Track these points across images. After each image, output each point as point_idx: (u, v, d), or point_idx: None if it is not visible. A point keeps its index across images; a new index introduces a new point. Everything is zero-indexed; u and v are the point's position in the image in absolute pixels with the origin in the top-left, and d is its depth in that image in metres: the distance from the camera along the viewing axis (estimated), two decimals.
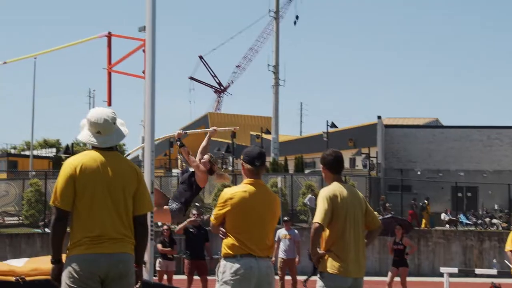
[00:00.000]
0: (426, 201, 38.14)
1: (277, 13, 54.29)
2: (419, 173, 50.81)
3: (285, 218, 19.74)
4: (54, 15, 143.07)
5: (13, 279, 7.63)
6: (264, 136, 61.46)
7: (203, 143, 10.22)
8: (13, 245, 29.55)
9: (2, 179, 43.06)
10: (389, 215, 23.65)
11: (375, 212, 7.98)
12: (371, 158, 46.31)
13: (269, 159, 47.61)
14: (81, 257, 5.47)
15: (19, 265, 8.39)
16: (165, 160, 58.54)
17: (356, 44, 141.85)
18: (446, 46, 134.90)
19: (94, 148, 5.73)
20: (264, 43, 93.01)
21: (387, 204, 36.55)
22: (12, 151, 73.35)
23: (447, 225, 37.11)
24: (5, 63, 11.63)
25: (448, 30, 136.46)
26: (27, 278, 7.65)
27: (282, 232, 19.33)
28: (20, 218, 35.19)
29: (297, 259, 19.35)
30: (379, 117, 51.10)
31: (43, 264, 8.00)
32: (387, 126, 54.06)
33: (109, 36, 10.02)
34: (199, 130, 9.85)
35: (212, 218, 6.77)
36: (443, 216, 38.72)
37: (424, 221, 36.83)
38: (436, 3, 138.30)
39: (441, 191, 46.66)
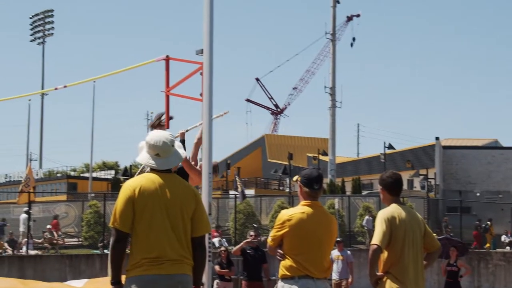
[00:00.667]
0: (489, 223, 37.58)
1: (333, 35, 54.28)
2: (478, 194, 50.07)
3: (338, 239, 19.67)
4: (113, 39, 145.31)
5: None
6: (321, 157, 61.30)
7: (193, 151, 9.78)
8: (73, 266, 29.86)
9: (62, 200, 43.67)
10: (443, 236, 23.47)
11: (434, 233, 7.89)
12: (429, 180, 45.81)
13: (326, 181, 47.44)
14: (141, 278, 5.50)
15: (79, 286, 8.50)
16: (222, 182, 58.76)
17: (413, 65, 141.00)
18: (505, 66, 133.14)
19: (152, 170, 5.78)
20: (320, 65, 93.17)
21: (450, 227, 36.07)
22: (72, 173, 74.39)
23: (508, 247, 36.48)
24: (65, 86, 11.82)
25: (507, 50, 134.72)
26: None
27: (335, 253, 19.30)
28: (80, 239, 35.59)
29: (349, 280, 19.31)
30: (437, 138, 50.63)
31: (102, 285, 8.07)
32: (445, 147, 53.48)
33: (167, 59, 10.12)
34: (198, 123, 9.54)
35: (269, 239, 6.76)
36: (503, 238, 38.11)
37: (488, 243, 36.32)
38: (490, 24, 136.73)
39: (501, 213, 45.87)
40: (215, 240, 28.98)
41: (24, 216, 33.27)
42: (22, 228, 33.20)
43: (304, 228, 6.59)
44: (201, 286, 5.94)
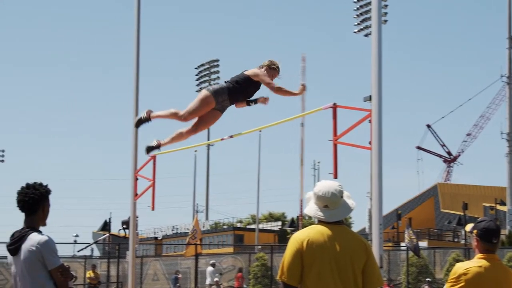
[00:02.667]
0: None
1: (510, 77, 52.93)
2: None
3: None
4: None
5: None
6: (499, 207, 59.40)
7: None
8: None
9: (229, 253, 44.37)
10: None
11: None
12: None
13: (504, 232, 45.89)
14: None
15: None
16: (393, 233, 57.99)
17: None
18: None
19: (320, 222, 5.79)
20: (496, 110, 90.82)
21: None
22: (238, 225, 75.54)
23: None
24: (231, 137, 12.12)
25: None
26: None
27: None
28: None
29: None
30: None
31: None
32: None
33: (334, 107, 10.19)
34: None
35: None
36: None
37: None
38: None
39: None
40: None
41: (210, 269, 33.84)
42: (208, 281, 33.73)
43: (481, 283, 6.41)
44: None
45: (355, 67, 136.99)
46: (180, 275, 35.50)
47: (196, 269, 33.89)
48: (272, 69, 10.88)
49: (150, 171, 13.19)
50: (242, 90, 10.83)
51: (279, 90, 10.73)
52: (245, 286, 35.23)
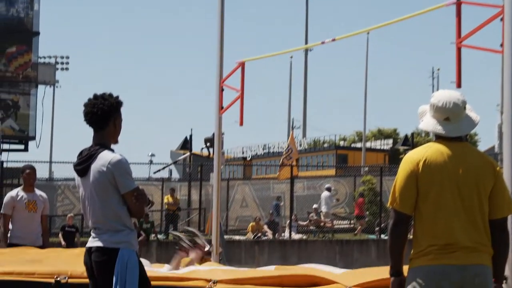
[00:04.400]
0: None
1: None
2: None
3: None
4: None
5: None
6: None
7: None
8: (344, 253, 30.46)
9: (330, 175, 44.45)
10: None
11: None
12: None
13: None
14: (428, 269, 5.53)
15: (338, 272, 8.79)
16: None
17: None
18: None
19: (439, 138, 5.75)
20: None
21: None
22: (342, 143, 75.65)
23: None
24: (333, 40, 12.07)
25: None
26: None
27: None
28: (352, 221, 36.23)
29: None
30: None
31: (367, 276, 8.26)
32: None
33: (459, 3, 10.01)
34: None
35: None
36: None
37: None
38: None
39: None
40: None
41: (326, 194, 34.04)
42: (325, 209, 34.01)
43: None
44: (504, 281, 5.85)
45: None
46: (281, 202, 35.60)
47: (291, 195, 34.03)
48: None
49: (238, 80, 13.22)
50: None
51: None
52: (367, 213, 35.13)
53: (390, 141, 70.47)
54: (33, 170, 12.47)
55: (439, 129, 5.72)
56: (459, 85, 9.62)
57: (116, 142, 6.84)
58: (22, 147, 45.14)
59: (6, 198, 12.31)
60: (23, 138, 44.31)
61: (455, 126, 5.72)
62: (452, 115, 5.70)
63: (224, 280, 8.11)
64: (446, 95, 5.77)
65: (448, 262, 5.51)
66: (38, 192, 12.36)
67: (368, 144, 64.72)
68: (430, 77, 79.61)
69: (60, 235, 27.04)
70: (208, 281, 7.93)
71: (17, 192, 12.21)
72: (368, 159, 56.65)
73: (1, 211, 12.28)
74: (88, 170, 6.64)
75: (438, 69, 77.88)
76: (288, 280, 8.37)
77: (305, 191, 38.21)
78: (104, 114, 6.70)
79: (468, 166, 5.62)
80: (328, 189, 33.95)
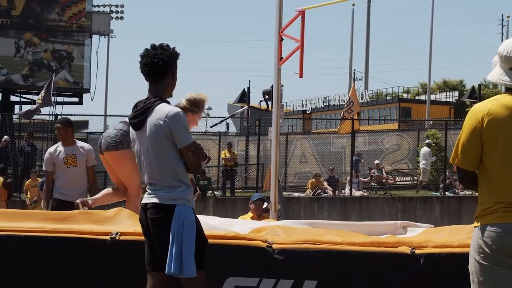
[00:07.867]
0: None
1: None
2: None
3: None
4: None
5: (407, 250, 7.86)
6: None
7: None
8: (406, 211, 30.37)
9: (393, 130, 44.14)
10: None
11: None
12: None
13: None
14: (495, 227, 5.43)
15: (413, 234, 8.71)
16: None
17: None
18: None
19: (508, 90, 5.60)
20: None
21: None
22: (405, 95, 75.16)
23: None
24: None
25: None
26: (417, 251, 7.79)
27: None
28: (415, 178, 36.06)
29: None
30: None
31: (440, 236, 8.18)
32: None
33: None
34: None
35: None
36: None
37: None
38: None
39: None
40: None
41: (426, 150, 33.58)
42: (423, 165, 33.68)
43: None
44: None
45: None
46: (362, 159, 35.39)
47: (352, 149, 33.97)
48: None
49: (298, 30, 13.18)
50: None
51: None
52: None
53: (456, 93, 69.91)
54: (62, 124, 12.14)
55: (505, 80, 5.59)
56: None
57: (171, 95, 6.83)
58: (76, 100, 45.16)
59: (46, 155, 12.24)
60: (78, 90, 44.24)
61: None
62: None
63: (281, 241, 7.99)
64: None
65: None
66: (79, 144, 12.17)
67: (433, 97, 64.24)
68: (499, 25, 78.50)
69: None
70: (264, 242, 7.83)
71: (56, 148, 12.08)
72: (432, 112, 56.30)
73: (43, 168, 12.34)
74: (144, 123, 6.61)
75: (508, 16, 76.31)
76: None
77: (367, 146, 38.03)
78: (165, 65, 6.66)
79: None
80: (428, 145, 33.48)
